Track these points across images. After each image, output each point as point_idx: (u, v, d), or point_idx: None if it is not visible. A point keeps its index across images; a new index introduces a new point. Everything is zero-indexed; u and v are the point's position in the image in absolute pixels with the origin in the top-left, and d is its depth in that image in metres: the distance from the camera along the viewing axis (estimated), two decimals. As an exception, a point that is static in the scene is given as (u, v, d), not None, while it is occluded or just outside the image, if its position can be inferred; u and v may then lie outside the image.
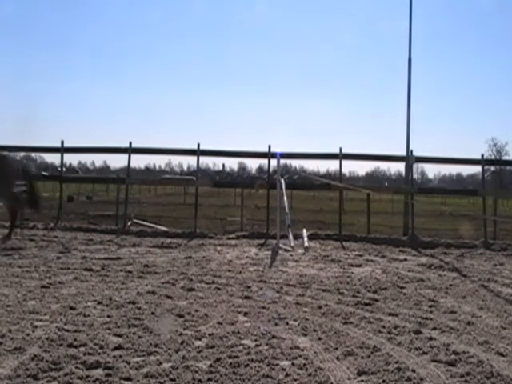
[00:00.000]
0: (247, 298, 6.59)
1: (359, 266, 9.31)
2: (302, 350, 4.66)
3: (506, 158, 65.31)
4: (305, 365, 4.28)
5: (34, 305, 5.93)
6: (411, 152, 14.25)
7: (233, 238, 12.63)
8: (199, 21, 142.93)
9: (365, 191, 15.29)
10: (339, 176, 14.92)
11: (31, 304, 5.96)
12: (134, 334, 4.95)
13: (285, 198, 12.74)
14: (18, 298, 6.20)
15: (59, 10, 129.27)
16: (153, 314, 5.69)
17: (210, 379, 3.95)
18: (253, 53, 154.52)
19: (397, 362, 4.36)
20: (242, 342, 4.84)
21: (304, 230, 12.80)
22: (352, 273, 8.55)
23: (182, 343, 4.73)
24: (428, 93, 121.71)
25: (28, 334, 4.83)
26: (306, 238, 12.02)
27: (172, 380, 3.92)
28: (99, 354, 4.40)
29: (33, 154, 61.18)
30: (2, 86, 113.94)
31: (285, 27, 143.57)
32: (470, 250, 11.73)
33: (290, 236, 11.89)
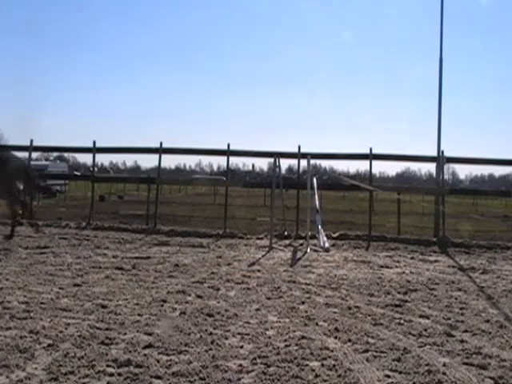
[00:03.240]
0: (277, 298, 6.60)
1: (389, 267, 9.24)
2: (332, 351, 4.65)
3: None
4: (334, 366, 4.27)
5: (67, 303, 6.02)
6: (442, 152, 14.10)
7: (262, 238, 12.64)
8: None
9: (399, 192, 15.17)
10: (369, 176, 14.82)
11: (64, 302, 6.06)
12: (164, 332, 5.01)
13: (316, 197, 12.70)
14: (51, 295, 6.32)
15: (71, 8, 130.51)
16: (183, 313, 5.74)
17: (239, 379, 3.97)
18: (286, 53, 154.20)
19: (427, 365, 4.33)
20: (272, 342, 4.86)
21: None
22: (382, 274, 8.50)
23: (211, 342, 4.76)
24: (460, 92, 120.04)
25: (61, 331, 4.91)
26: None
27: (202, 379, 3.95)
28: (130, 352, 4.46)
29: (66, 154, 62.42)
30: (10, 85, 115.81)
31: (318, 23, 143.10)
32: (502, 252, 11.56)
33: (321, 236, 11.86)
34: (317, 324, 5.50)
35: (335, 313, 5.99)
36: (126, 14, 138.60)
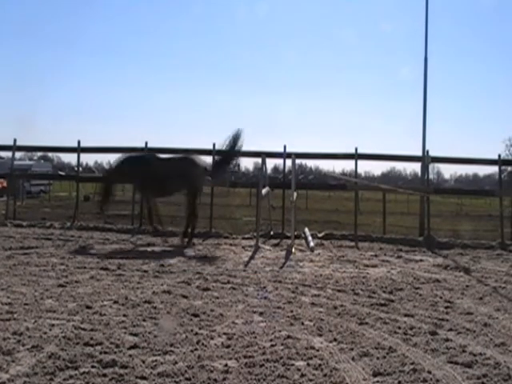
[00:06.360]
0: (262, 297, 6.60)
1: (375, 266, 9.27)
2: (318, 351, 4.66)
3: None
4: (320, 365, 4.28)
5: (51, 303, 5.98)
6: (427, 152, 14.16)
7: (248, 238, 12.62)
8: (198, 20, 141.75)
9: (385, 187, 15.22)
10: (355, 176, 14.86)
11: (48, 303, 6.02)
12: (149, 333, 4.98)
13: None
14: (35, 296, 6.26)
15: (64, 8, 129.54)
16: (168, 313, 5.72)
17: (225, 379, 3.96)
18: (264, 51, 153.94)
19: (412, 363, 4.34)
20: (258, 341, 4.85)
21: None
22: (367, 273, 8.52)
23: (197, 343, 4.75)
24: (445, 92, 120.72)
25: (45, 333, 4.87)
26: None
27: (187, 379, 3.93)
28: (115, 352, 4.43)
29: (50, 154, 61.82)
30: (6, 85, 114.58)
31: (296, 25, 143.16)
32: (486, 251, 11.63)
33: (309, 237, 11.87)
34: (302, 323, 5.50)
35: (321, 312, 6.00)
36: (113, 11, 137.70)
